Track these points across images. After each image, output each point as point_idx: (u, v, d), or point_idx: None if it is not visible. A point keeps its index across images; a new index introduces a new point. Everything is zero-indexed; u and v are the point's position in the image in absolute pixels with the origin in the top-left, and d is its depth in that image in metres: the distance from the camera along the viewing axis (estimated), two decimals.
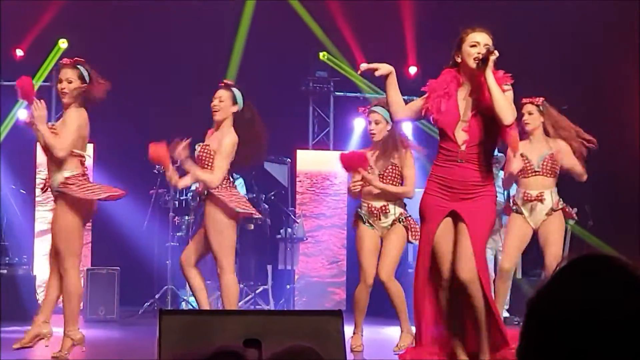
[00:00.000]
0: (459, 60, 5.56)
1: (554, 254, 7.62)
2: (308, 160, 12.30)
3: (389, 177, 7.50)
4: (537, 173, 7.74)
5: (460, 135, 5.51)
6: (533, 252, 10.88)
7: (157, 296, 10.33)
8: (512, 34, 11.23)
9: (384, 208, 7.48)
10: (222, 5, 11.56)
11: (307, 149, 12.53)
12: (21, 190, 11.18)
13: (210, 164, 6.92)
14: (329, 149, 12.59)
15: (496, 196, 5.94)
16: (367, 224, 7.53)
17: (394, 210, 7.53)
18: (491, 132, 5.54)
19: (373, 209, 7.50)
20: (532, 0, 11.16)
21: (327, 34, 12.06)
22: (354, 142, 12.60)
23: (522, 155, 7.63)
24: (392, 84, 5.76)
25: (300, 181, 12.09)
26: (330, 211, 12.14)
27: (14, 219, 11.07)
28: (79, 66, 6.61)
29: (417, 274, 5.67)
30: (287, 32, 11.79)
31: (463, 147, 5.49)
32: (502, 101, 5.40)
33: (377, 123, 7.59)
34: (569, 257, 1.52)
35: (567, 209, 7.83)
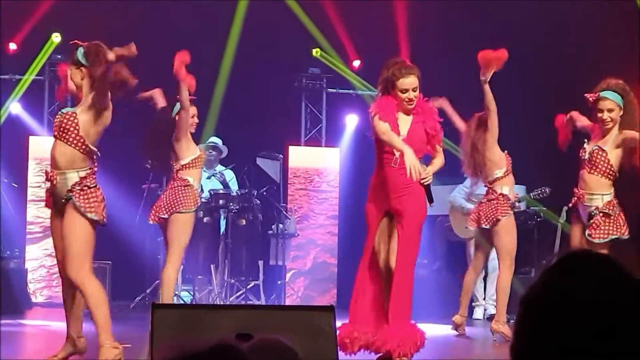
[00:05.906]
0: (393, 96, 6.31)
1: None
2: (300, 156, 12.32)
3: (595, 161, 6.86)
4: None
5: None
6: (523, 249, 10.93)
7: (148, 290, 10.33)
8: (502, 33, 11.26)
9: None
10: (216, 1, 11.56)
11: (300, 145, 12.55)
12: (13, 184, 11.17)
13: None
14: (321, 146, 12.62)
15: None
16: None
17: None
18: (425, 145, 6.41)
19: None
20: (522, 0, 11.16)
21: (320, 31, 12.07)
22: (346, 139, 12.62)
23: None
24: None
25: (293, 178, 12.12)
26: (322, 207, 12.16)
27: (5, 212, 11.06)
28: (77, 50, 6.06)
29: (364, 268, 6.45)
30: (281, 29, 11.80)
31: (397, 155, 6.20)
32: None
33: (610, 111, 6.77)
34: (559, 255, 1.55)
35: None
